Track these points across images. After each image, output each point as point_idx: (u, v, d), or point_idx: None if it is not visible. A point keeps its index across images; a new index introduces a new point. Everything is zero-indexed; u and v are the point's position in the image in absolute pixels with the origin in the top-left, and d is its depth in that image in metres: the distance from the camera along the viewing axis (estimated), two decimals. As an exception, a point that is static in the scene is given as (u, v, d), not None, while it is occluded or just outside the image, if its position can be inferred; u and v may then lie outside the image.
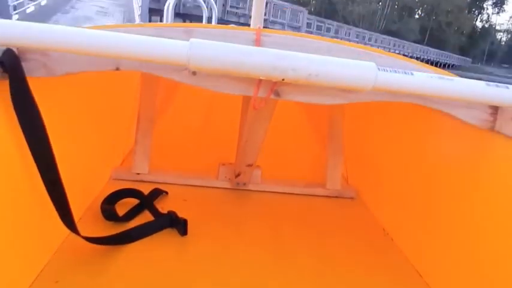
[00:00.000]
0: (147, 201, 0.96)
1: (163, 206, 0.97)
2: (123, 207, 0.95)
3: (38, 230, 0.68)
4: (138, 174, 1.06)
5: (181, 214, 0.92)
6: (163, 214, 0.94)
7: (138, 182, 1.05)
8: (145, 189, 0.99)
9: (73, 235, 0.70)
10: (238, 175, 1.03)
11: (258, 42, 0.57)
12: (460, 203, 0.73)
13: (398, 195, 0.96)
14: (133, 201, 0.98)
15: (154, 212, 0.95)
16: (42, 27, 0.48)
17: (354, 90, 0.57)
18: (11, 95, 0.51)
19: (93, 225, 0.83)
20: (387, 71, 0.55)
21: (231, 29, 0.59)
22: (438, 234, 0.79)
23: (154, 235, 0.88)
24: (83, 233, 0.72)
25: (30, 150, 0.55)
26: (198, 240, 0.88)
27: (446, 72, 0.64)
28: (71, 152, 0.78)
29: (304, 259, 0.87)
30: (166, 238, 0.88)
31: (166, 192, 1.03)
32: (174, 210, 0.93)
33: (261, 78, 0.58)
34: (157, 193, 1.02)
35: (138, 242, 0.84)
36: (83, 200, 0.92)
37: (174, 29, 0.57)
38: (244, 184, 1.08)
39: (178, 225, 0.90)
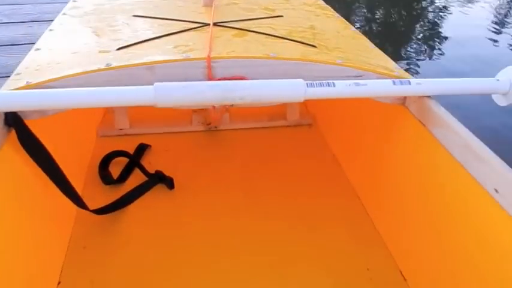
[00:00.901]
0: (135, 159, 1.06)
1: (150, 160, 1.06)
2: (115, 167, 1.03)
3: (54, 207, 0.77)
4: (121, 129, 1.14)
5: (165, 165, 1.03)
6: (153, 174, 1.03)
7: (123, 137, 1.13)
8: (130, 143, 1.08)
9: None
10: (209, 123, 1.17)
11: (209, 70, 0.68)
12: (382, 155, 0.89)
13: (346, 125, 1.07)
14: (122, 160, 1.06)
15: (143, 170, 1.03)
16: (35, 94, 0.58)
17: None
18: (20, 141, 0.64)
19: (95, 191, 0.90)
20: (314, 86, 0.65)
21: (185, 61, 0.67)
22: (375, 164, 0.90)
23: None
24: (88, 204, 0.79)
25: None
26: (184, 190, 0.98)
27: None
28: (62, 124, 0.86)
29: (268, 186, 0.99)
30: (157, 193, 0.96)
31: (150, 146, 1.11)
32: (158, 161, 1.05)
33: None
34: (142, 149, 1.10)
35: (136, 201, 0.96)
36: (82, 163, 1.01)
37: (138, 69, 0.66)
38: (216, 127, 1.18)
39: (166, 181, 1.01)
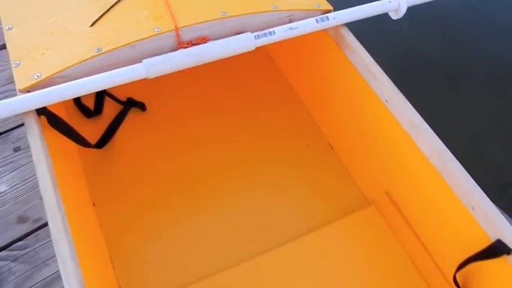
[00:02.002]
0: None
1: (119, 89, 1.09)
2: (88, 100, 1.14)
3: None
4: None
5: (134, 89, 1.12)
6: (125, 101, 1.15)
7: None
8: None
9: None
10: None
11: (178, 38, 0.80)
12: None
13: (290, 52, 1.20)
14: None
15: (115, 98, 1.15)
16: (55, 90, 0.70)
17: None
18: (49, 123, 0.78)
19: (84, 128, 0.97)
20: (260, 37, 0.82)
21: (158, 34, 0.78)
22: (311, 77, 1.11)
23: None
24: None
25: None
26: (155, 109, 1.16)
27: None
28: None
29: (230, 102, 1.18)
30: (133, 116, 1.13)
31: None
32: (127, 90, 1.14)
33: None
34: None
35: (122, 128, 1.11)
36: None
37: (123, 48, 0.77)
38: None
39: (138, 105, 1.15)
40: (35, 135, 0.70)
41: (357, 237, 0.97)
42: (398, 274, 0.94)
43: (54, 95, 0.70)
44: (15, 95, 0.72)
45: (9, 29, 0.83)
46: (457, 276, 0.79)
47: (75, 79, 0.73)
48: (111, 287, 0.84)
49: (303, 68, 1.17)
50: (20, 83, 0.72)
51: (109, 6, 0.82)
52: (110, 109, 1.15)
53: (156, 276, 0.90)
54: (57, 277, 0.93)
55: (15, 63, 0.76)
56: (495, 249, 0.70)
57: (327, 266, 0.93)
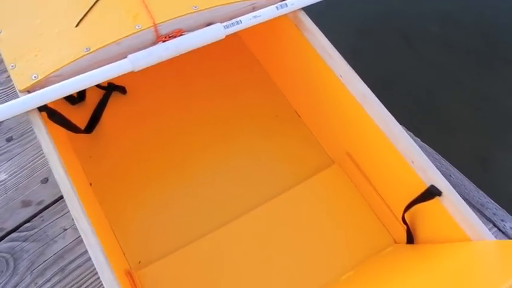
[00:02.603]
0: None
1: None
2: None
3: None
4: None
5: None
6: (106, 86, 1.22)
7: None
8: None
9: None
10: None
11: (156, 33, 0.89)
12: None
13: (257, 35, 1.31)
14: None
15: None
16: (53, 89, 0.79)
17: None
18: (49, 118, 0.87)
19: (70, 114, 1.04)
20: (229, 26, 0.92)
21: (139, 31, 0.87)
22: (278, 57, 1.23)
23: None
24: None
25: None
26: (136, 93, 1.26)
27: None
28: None
29: (203, 88, 1.29)
30: (115, 100, 1.23)
31: None
32: None
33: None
34: None
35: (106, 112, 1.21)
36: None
37: (110, 46, 0.86)
38: None
39: (119, 88, 1.24)
40: (42, 130, 0.80)
41: (325, 191, 1.14)
42: (361, 221, 1.11)
43: (54, 93, 0.80)
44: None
45: None
46: (405, 216, 0.98)
47: (68, 77, 0.83)
48: (118, 253, 0.98)
49: (270, 49, 1.28)
50: (20, 84, 0.81)
51: (89, 7, 0.91)
52: (93, 95, 1.24)
53: (154, 241, 1.04)
54: (66, 250, 1.06)
55: (12, 65, 0.84)
56: (430, 193, 0.88)
57: (302, 219, 1.10)
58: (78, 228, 0.72)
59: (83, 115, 1.18)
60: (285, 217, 1.10)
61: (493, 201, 1.26)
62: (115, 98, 1.24)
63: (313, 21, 1.03)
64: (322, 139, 1.21)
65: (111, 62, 0.85)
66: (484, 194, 1.26)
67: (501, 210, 1.25)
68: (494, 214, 1.22)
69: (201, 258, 1.01)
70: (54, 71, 0.82)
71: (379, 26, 2.22)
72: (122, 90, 1.26)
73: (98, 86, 1.25)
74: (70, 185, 0.76)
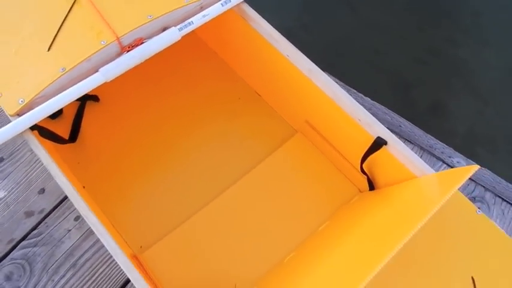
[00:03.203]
0: None
1: None
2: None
3: None
4: None
5: None
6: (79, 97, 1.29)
7: None
8: None
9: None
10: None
11: (120, 44, 1.00)
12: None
13: (210, 29, 1.35)
14: None
15: None
16: (40, 110, 0.91)
17: None
18: (40, 134, 1.00)
19: (53, 128, 1.14)
20: (182, 28, 1.04)
21: (105, 46, 0.97)
22: (230, 43, 1.37)
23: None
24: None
25: None
26: (109, 99, 1.37)
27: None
28: None
29: (170, 85, 1.41)
30: (90, 109, 1.34)
31: None
32: None
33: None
34: None
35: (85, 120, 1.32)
36: None
37: (82, 63, 0.96)
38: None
39: (92, 97, 1.34)
40: (38, 146, 0.91)
41: (293, 158, 1.29)
42: (328, 178, 1.27)
43: (42, 113, 0.91)
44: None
45: None
46: (363, 167, 1.14)
47: (50, 96, 0.94)
48: (121, 241, 1.12)
49: (224, 40, 1.40)
50: (10, 109, 0.92)
51: (56, 32, 1.01)
52: (69, 107, 1.32)
53: (150, 226, 1.17)
54: (74, 248, 1.18)
55: None
56: (377, 143, 1.04)
57: (278, 185, 1.25)
58: (88, 223, 0.85)
59: (64, 127, 1.29)
60: (262, 186, 1.25)
61: (440, 142, 1.44)
62: (90, 107, 1.34)
63: (264, 7, 1.15)
64: (283, 112, 1.35)
65: (85, 77, 0.96)
66: (432, 137, 1.44)
67: (448, 148, 1.43)
68: (442, 153, 1.41)
69: (195, 234, 1.16)
70: (37, 93, 0.93)
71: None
72: (95, 98, 1.36)
73: None
74: (73, 188, 0.88)
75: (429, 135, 1.44)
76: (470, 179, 1.38)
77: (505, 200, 1.34)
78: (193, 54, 1.49)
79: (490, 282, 0.88)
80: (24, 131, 0.92)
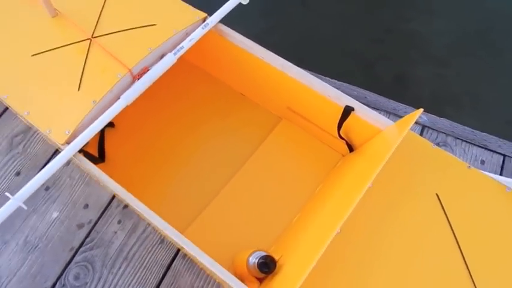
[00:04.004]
0: None
1: None
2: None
3: None
4: None
5: None
6: None
7: None
8: None
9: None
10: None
11: (131, 74, 1.27)
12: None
13: (202, 51, 1.59)
14: None
15: None
16: (83, 135, 1.16)
17: None
18: (84, 155, 1.24)
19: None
20: (176, 53, 1.29)
21: (122, 78, 1.25)
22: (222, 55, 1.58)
23: None
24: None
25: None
26: (122, 123, 1.60)
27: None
28: None
29: (171, 102, 1.67)
30: (110, 132, 1.58)
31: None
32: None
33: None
34: None
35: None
36: None
37: (107, 94, 1.23)
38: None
39: (109, 124, 1.44)
40: (89, 164, 1.19)
41: (283, 140, 1.57)
42: (315, 151, 1.54)
43: (85, 138, 1.18)
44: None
45: (6, 97, 1.26)
46: (341, 134, 1.42)
47: (88, 124, 1.21)
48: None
49: (208, 56, 1.67)
50: (60, 139, 1.19)
51: (80, 75, 1.28)
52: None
53: (185, 209, 1.43)
54: (122, 245, 1.45)
55: (48, 131, 1.21)
56: (346, 111, 1.31)
57: (275, 165, 1.53)
58: (140, 210, 1.11)
59: (92, 150, 1.55)
60: (264, 166, 1.53)
61: (402, 104, 1.72)
62: (109, 132, 1.60)
63: (233, 22, 1.44)
64: (267, 105, 1.64)
65: (111, 105, 1.24)
66: (395, 101, 1.73)
67: (410, 108, 1.71)
68: (405, 112, 1.69)
69: (220, 210, 1.44)
70: (79, 123, 1.20)
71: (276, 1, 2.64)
72: (111, 124, 1.63)
73: None
74: (121, 187, 1.15)
75: (392, 101, 1.73)
76: (432, 128, 1.66)
77: (464, 140, 1.62)
78: (183, 72, 1.78)
79: (452, 196, 1.14)
80: (75, 154, 1.19)
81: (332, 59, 2.36)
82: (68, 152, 1.17)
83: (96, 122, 1.21)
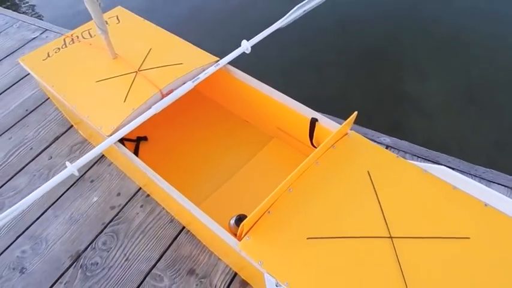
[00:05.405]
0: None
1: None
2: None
3: None
4: None
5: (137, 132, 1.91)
6: (135, 139, 2.06)
7: None
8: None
9: None
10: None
11: (161, 93, 1.80)
12: None
13: (213, 84, 2.16)
14: None
15: (128, 139, 2.04)
16: (123, 130, 1.59)
17: None
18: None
19: None
20: (194, 81, 1.72)
21: (154, 95, 1.79)
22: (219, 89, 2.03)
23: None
24: None
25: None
26: (154, 138, 2.10)
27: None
28: None
29: (189, 125, 2.12)
30: (143, 145, 2.07)
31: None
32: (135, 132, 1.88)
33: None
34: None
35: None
36: None
37: (142, 106, 1.78)
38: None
39: (143, 138, 2.07)
40: (124, 148, 1.68)
41: (274, 151, 2.00)
42: (297, 162, 1.95)
43: (124, 132, 1.65)
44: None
45: (64, 96, 1.83)
46: (313, 143, 1.84)
47: (127, 123, 1.73)
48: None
49: (219, 90, 2.21)
50: (107, 132, 1.68)
51: (127, 92, 1.84)
52: (130, 146, 2.13)
53: (200, 189, 1.87)
54: (141, 222, 1.88)
55: (100, 127, 1.73)
56: (313, 122, 1.75)
57: (268, 166, 1.95)
58: (163, 187, 1.57)
59: None
60: (257, 170, 1.95)
61: (372, 130, 2.13)
62: (143, 144, 2.12)
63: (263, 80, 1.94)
64: (262, 127, 2.10)
65: (144, 112, 1.75)
66: (368, 128, 2.14)
67: (377, 133, 2.11)
68: (372, 135, 2.09)
69: (229, 194, 1.86)
70: (121, 122, 1.72)
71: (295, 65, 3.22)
72: (145, 138, 2.16)
73: (131, 140, 2.15)
74: (161, 178, 1.60)
75: (365, 128, 2.14)
76: (394, 147, 2.04)
77: (420, 157, 1.98)
78: (199, 102, 2.31)
79: (379, 173, 1.49)
80: (116, 142, 1.69)
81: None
82: (112, 139, 1.66)
83: (133, 122, 1.71)
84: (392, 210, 1.36)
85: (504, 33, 3.29)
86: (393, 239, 1.29)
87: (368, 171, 1.50)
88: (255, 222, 1.36)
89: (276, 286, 1.24)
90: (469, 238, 1.27)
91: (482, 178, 1.88)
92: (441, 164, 1.92)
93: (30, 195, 1.37)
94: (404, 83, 2.99)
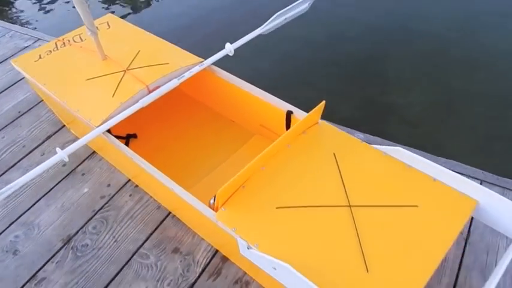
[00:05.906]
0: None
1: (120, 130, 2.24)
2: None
3: None
4: None
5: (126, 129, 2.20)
6: (124, 136, 2.20)
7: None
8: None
9: None
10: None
11: (148, 88, 1.99)
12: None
13: (198, 84, 2.36)
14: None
15: (118, 136, 2.07)
16: (111, 121, 1.81)
17: None
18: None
19: None
20: (180, 79, 1.94)
21: (140, 90, 1.98)
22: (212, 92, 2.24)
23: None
24: None
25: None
26: (143, 135, 2.25)
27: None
28: None
29: (172, 119, 2.24)
30: (133, 142, 2.23)
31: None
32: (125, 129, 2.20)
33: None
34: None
35: None
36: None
37: (129, 100, 1.96)
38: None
39: (133, 135, 2.22)
40: (112, 137, 1.84)
41: (254, 150, 2.18)
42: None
43: (112, 123, 1.82)
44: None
45: (55, 93, 1.99)
46: None
47: (115, 115, 1.89)
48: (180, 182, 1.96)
49: (204, 90, 2.41)
50: (96, 123, 1.84)
51: (115, 88, 2.01)
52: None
53: (190, 176, 2.04)
54: (129, 209, 2.02)
55: (89, 119, 1.89)
56: (288, 115, 1.96)
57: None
58: (153, 174, 1.73)
59: None
60: (239, 164, 2.12)
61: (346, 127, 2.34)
62: (132, 142, 2.28)
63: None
64: (247, 125, 2.30)
65: (131, 105, 1.92)
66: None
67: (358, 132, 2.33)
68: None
69: (212, 183, 2.02)
70: (110, 113, 1.88)
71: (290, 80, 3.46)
72: (135, 136, 2.32)
73: (121, 137, 2.32)
74: (152, 166, 1.77)
75: (341, 126, 2.35)
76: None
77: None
78: (186, 104, 2.50)
79: (343, 155, 1.69)
80: (104, 132, 1.85)
81: (276, 83, 2.99)
82: (100, 129, 1.83)
83: (121, 114, 1.88)
84: (352, 184, 1.56)
85: (483, 48, 3.62)
86: (352, 207, 1.48)
87: (334, 153, 1.70)
88: (230, 196, 1.54)
89: (248, 249, 1.40)
90: (417, 206, 1.47)
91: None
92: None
93: (22, 177, 1.52)
94: (388, 94, 3.26)
